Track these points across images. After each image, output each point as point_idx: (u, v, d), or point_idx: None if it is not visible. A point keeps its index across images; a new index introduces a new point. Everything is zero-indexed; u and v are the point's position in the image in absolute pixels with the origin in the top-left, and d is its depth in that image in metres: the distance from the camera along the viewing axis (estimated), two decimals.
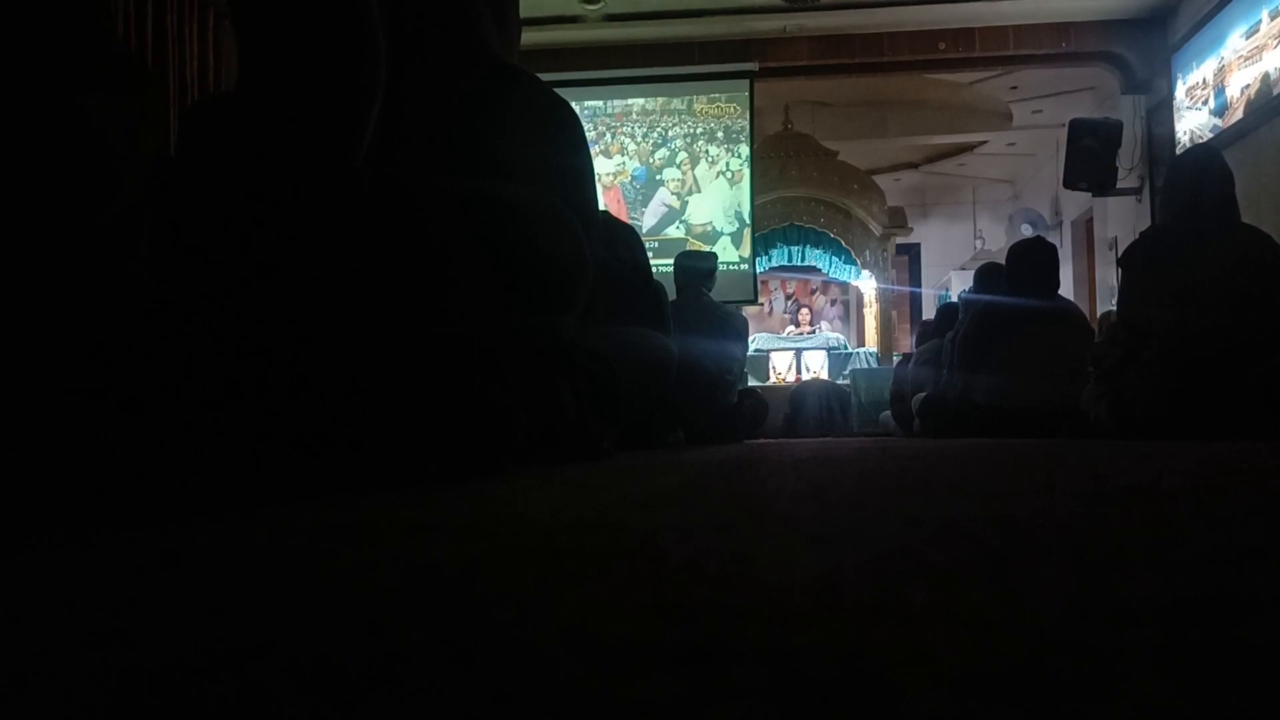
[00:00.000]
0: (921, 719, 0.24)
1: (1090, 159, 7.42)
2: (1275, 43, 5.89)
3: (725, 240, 8.22)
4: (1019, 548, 0.53)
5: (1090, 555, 0.50)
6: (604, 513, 0.78)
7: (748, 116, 8.31)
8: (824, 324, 12.33)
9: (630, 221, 7.52)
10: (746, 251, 8.30)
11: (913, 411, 5.21)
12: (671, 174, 8.42)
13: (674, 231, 8.30)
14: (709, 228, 8.27)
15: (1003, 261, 4.70)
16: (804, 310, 12.29)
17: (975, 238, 12.58)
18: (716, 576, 0.45)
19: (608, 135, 8.39)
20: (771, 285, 12.48)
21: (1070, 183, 7.64)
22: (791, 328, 11.99)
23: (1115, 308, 3.58)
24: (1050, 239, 7.22)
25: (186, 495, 0.98)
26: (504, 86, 1.67)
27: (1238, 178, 3.30)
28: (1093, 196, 8.28)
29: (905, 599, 0.39)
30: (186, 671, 0.30)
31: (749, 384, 6.84)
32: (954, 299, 6.72)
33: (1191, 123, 6.99)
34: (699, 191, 8.40)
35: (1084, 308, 7.76)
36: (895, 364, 7.58)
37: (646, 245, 3.62)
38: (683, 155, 8.44)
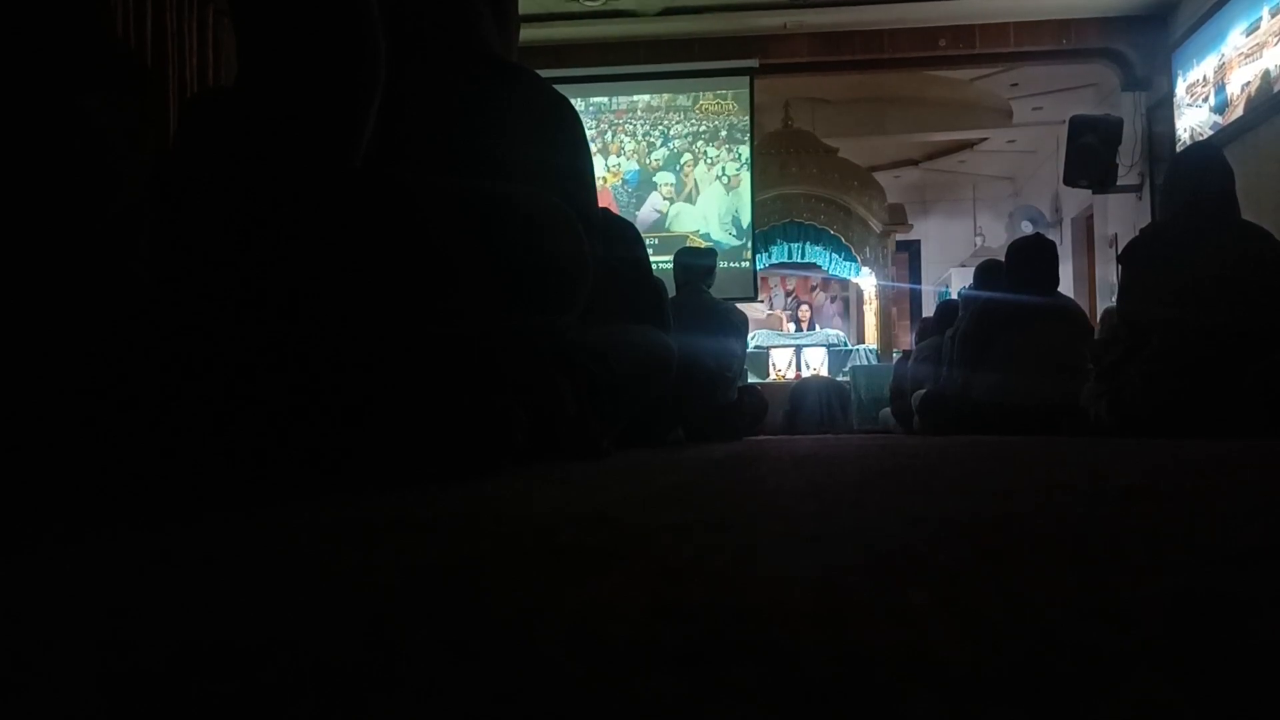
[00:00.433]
0: (921, 716, 0.24)
1: (1090, 156, 7.42)
2: (1276, 40, 5.89)
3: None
4: (1019, 546, 0.53)
5: (1090, 554, 0.50)
6: (604, 511, 0.78)
7: (748, 114, 8.29)
8: (819, 323, 12.33)
9: None
10: (743, 263, 8.27)
11: (913, 409, 5.21)
12: (664, 177, 8.36)
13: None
14: (696, 236, 8.21)
15: (1003, 259, 4.69)
16: (803, 307, 12.28)
17: (975, 235, 12.58)
18: (716, 575, 0.45)
19: (608, 133, 8.36)
20: (771, 282, 12.47)
21: (1070, 180, 7.63)
22: (791, 325, 11.99)
23: (1115, 305, 3.57)
24: (1050, 236, 7.22)
25: (187, 495, 0.98)
26: (504, 85, 1.66)
27: (1238, 175, 3.29)
28: (1093, 193, 8.27)
29: (905, 598, 0.39)
30: (187, 671, 0.30)
31: (749, 381, 6.85)
32: (954, 296, 6.72)
33: (1192, 120, 6.99)
34: (698, 193, 8.37)
35: (1084, 305, 7.75)
36: (895, 361, 7.58)
37: (646, 242, 3.62)
38: (687, 156, 8.41)
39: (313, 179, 1.16)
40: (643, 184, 8.31)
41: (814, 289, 12.86)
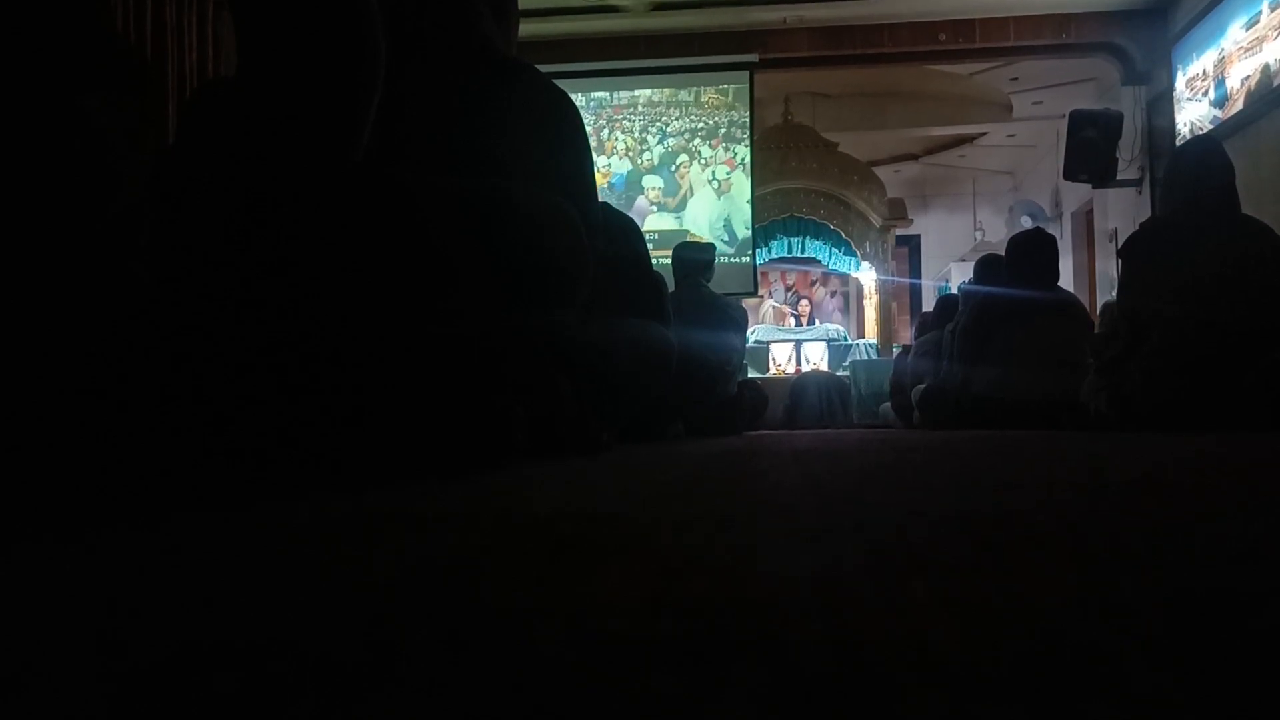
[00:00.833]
0: (921, 715, 0.24)
1: (1091, 150, 7.41)
2: (1275, 34, 5.88)
3: None
4: (1019, 541, 0.53)
5: (1090, 549, 0.50)
6: (604, 507, 0.78)
7: (749, 109, 8.27)
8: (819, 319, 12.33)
9: None
10: (743, 258, 8.21)
11: (912, 403, 5.21)
12: (652, 181, 8.30)
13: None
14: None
15: (1003, 253, 4.69)
16: (803, 302, 12.28)
17: (975, 229, 12.57)
18: (716, 571, 0.45)
19: (605, 130, 8.31)
20: (771, 277, 12.47)
21: (1070, 174, 7.62)
22: (791, 320, 11.99)
23: (1115, 299, 3.57)
24: (1050, 230, 7.21)
25: (187, 493, 0.98)
26: (504, 83, 1.66)
27: (1238, 169, 3.29)
28: (1093, 188, 8.26)
29: (905, 593, 0.39)
30: (187, 670, 0.30)
31: (749, 375, 6.85)
32: (954, 290, 6.72)
33: (1192, 114, 6.98)
34: (692, 194, 8.32)
35: (1084, 299, 7.74)
36: (895, 356, 7.57)
37: (645, 237, 3.62)
38: (683, 157, 8.35)
39: (312, 178, 1.16)
40: (630, 186, 8.25)
41: (814, 284, 12.86)
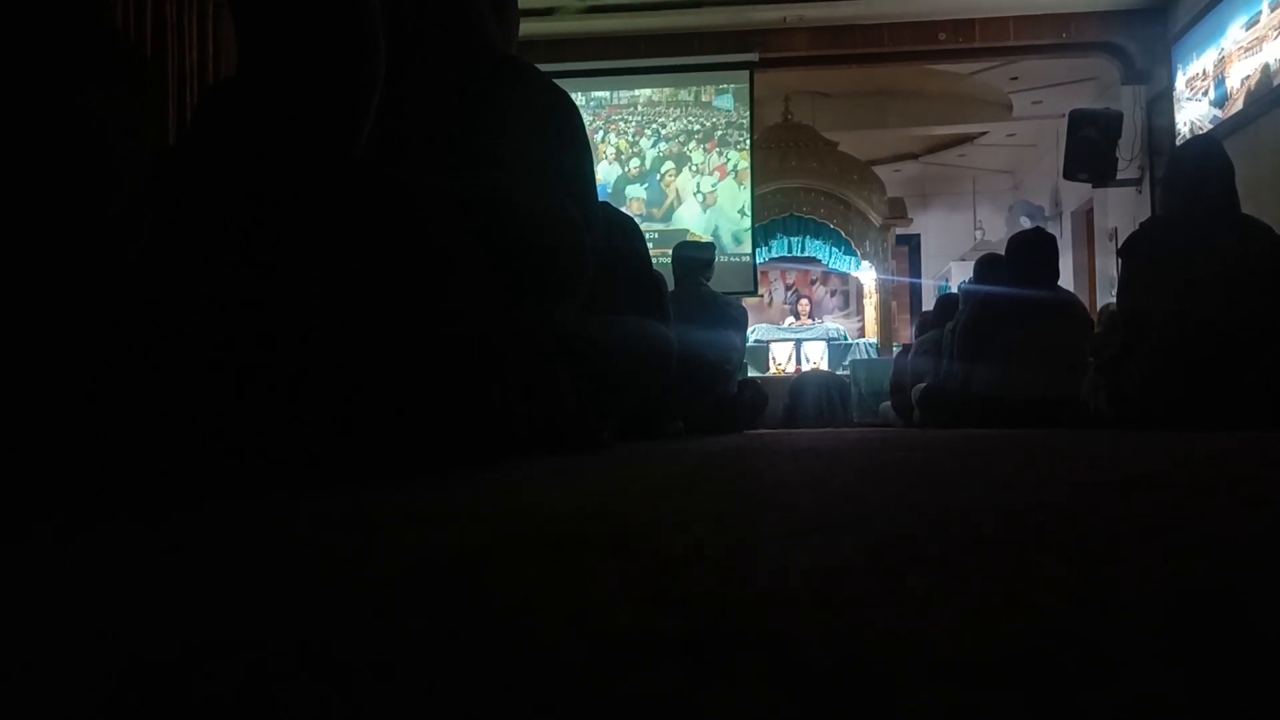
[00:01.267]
0: (920, 708, 0.24)
1: (1090, 149, 7.42)
2: (1275, 34, 5.88)
3: None
4: (1018, 538, 0.53)
5: (1089, 545, 0.50)
6: (604, 503, 0.78)
7: (749, 113, 8.25)
8: (826, 317, 12.33)
9: None
10: (743, 257, 8.18)
11: (913, 402, 5.21)
12: (635, 191, 8.25)
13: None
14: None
15: (1003, 252, 4.69)
16: (804, 301, 12.28)
17: (975, 228, 12.57)
18: (716, 566, 0.45)
19: (599, 133, 8.28)
20: (771, 276, 12.47)
21: (1070, 173, 7.63)
22: (791, 319, 11.99)
23: (1115, 299, 3.57)
24: (1050, 229, 7.21)
25: (187, 492, 0.98)
26: (504, 82, 1.66)
27: (1238, 169, 3.29)
28: (1093, 187, 8.27)
29: (904, 588, 0.39)
30: (186, 666, 0.30)
31: (749, 374, 6.85)
32: (954, 290, 6.72)
33: (1192, 113, 6.98)
34: (679, 203, 8.27)
35: (1084, 299, 7.75)
36: (895, 355, 7.57)
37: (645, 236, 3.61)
38: (668, 165, 8.28)
39: (312, 177, 1.16)
40: (614, 197, 8.19)
41: (814, 283, 12.86)
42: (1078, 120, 7.49)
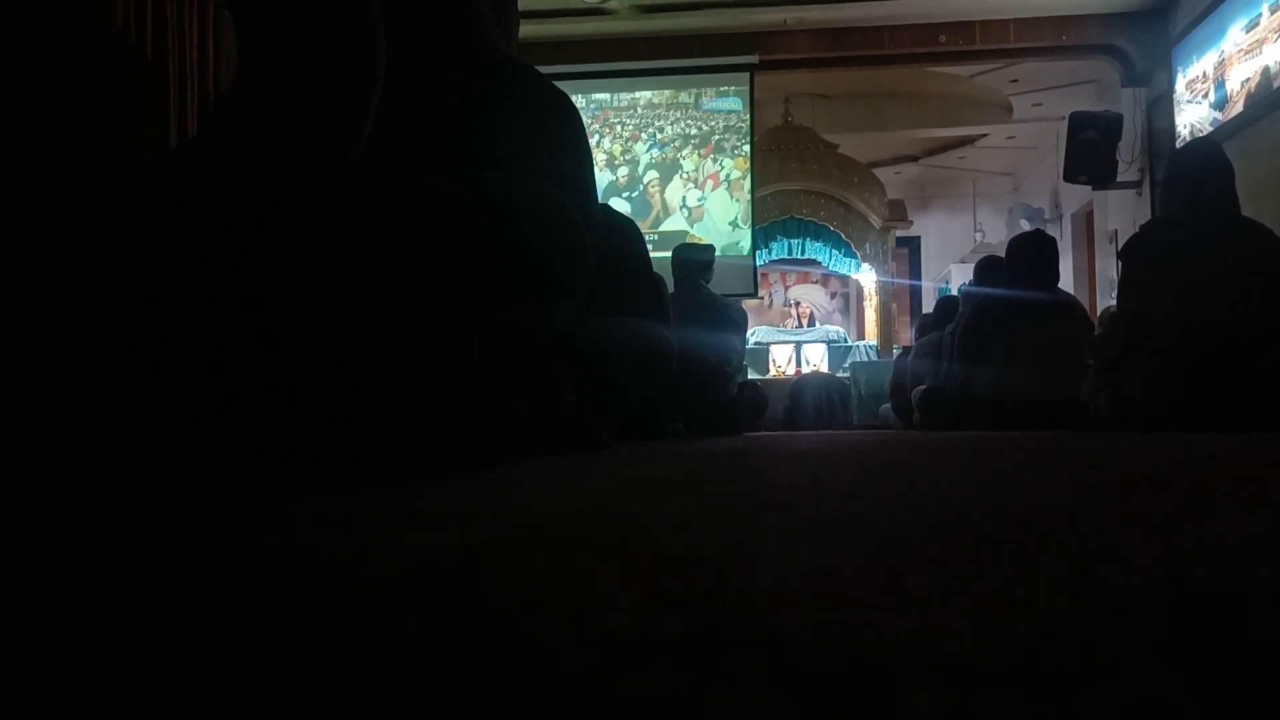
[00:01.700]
0: (921, 708, 0.24)
1: (1091, 152, 7.42)
2: (1275, 36, 5.88)
3: None
4: (1018, 538, 0.53)
5: (1089, 546, 0.50)
6: (604, 503, 0.78)
7: (749, 115, 8.23)
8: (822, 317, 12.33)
9: None
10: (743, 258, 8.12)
11: (913, 404, 5.21)
12: (619, 203, 8.17)
13: None
14: None
15: (1003, 254, 4.69)
16: (803, 304, 12.28)
17: (975, 230, 12.58)
18: (716, 566, 0.45)
19: (594, 137, 8.25)
20: (771, 278, 12.47)
21: (1070, 175, 7.63)
22: (790, 322, 11.99)
23: (1115, 301, 3.57)
24: (1050, 232, 7.22)
25: (187, 492, 0.98)
26: (504, 83, 1.66)
27: (1238, 171, 3.29)
28: (1093, 189, 8.28)
29: (905, 588, 0.39)
30: (186, 666, 0.30)
31: (749, 376, 6.84)
32: (954, 292, 6.72)
33: (1192, 116, 6.98)
34: (665, 215, 8.23)
35: (1084, 301, 7.76)
36: (895, 357, 7.57)
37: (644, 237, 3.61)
38: (651, 175, 8.21)
39: (312, 178, 1.16)
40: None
41: (813, 285, 12.86)
42: (1078, 122, 7.50)
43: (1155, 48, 7.55)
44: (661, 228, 8.18)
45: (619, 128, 8.39)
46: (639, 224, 8.00)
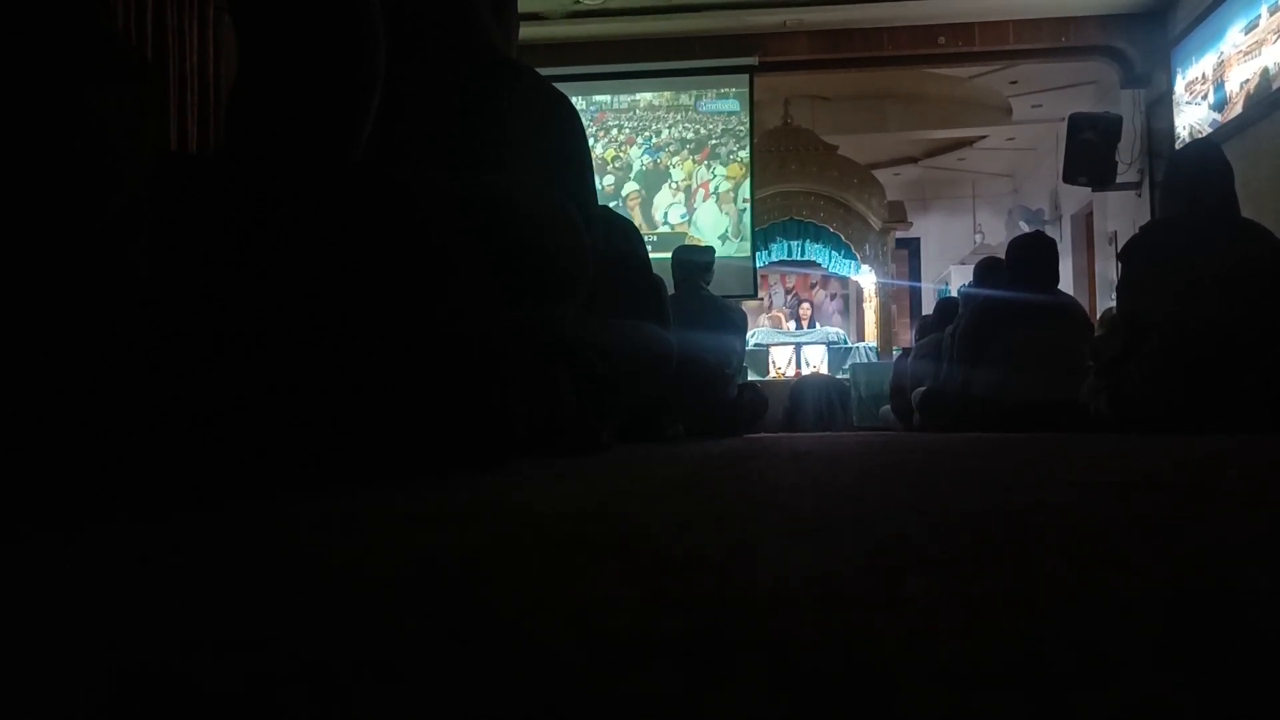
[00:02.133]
0: (921, 709, 0.24)
1: (1090, 153, 7.42)
2: (1275, 37, 5.88)
3: None
4: (1018, 539, 0.53)
5: (1089, 547, 0.50)
6: (604, 504, 0.78)
7: (748, 117, 8.22)
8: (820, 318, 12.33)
9: None
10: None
11: (913, 406, 5.21)
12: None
13: None
14: None
15: (1002, 256, 4.70)
16: (804, 305, 12.28)
17: (975, 232, 12.58)
18: (716, 567, 0.45)
19: (589, 139, 8.18)
20: (771, 280, 12.48)
21: (1070, 177, 7.63)
22: (790, 323, 11.99)
23: (1115, 302, 3.58)
24: (1050, 233, 7.23)
25: (186, 492, 0.98)
26: (504, 84, 1.66)
27: (1237, 172, 3.29)
28: (1092, 191, 8.27)
29: (905, 590, 0.39)
30: (186, 666, 0.30)
31: (749, 378, 6.85)
32: (953, 293, 6.72)
33: (1191, 117, 6.98)
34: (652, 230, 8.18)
35: (1084, 302, 7.76)
36: (895, 358, 7.57)
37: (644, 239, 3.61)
38: (630, 187, 8.10)
39: (312, 178, 1.16)
40: None
41: (814, 286, 12.86)
42: (1077, 124, 7.50)
43: (1154, 49, 7.55)
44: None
45: (615, 130, 8.36)
46: None
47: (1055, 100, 9.48)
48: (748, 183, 8.25)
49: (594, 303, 1.70)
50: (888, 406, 6.46)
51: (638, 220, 7.99)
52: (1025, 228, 9.27)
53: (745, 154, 8.25)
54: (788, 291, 12.87)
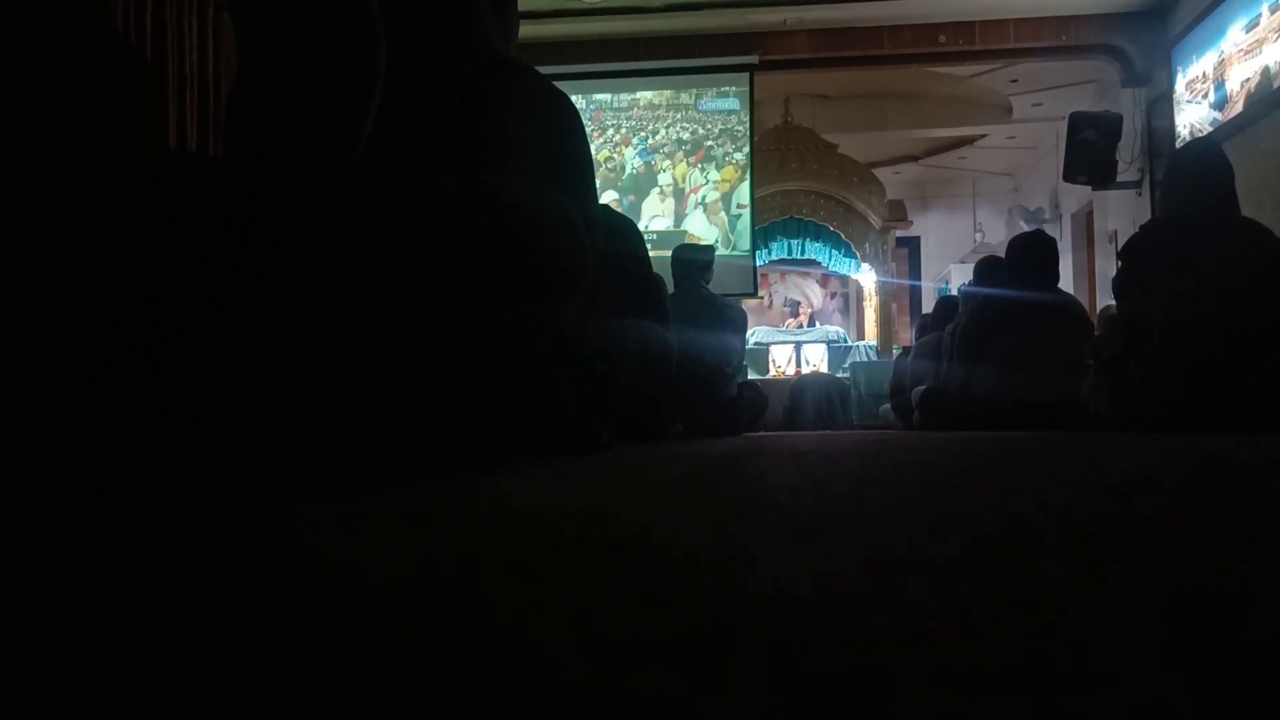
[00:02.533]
0: (921, 709, 0.24)
1: (1090, 152, 7.42)
2: (1275, 36, 5.88)
3: None
4: (1018, 540, 0.53)
5: (1090, 547, 0.50)
6: (603, 505, 0.78)
7: (748, 116, 8.21)
8: (824, 317, 12.34)
9: None
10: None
11: (913, 405, 5.21)
12: None
13: None
14: None
15: (1002, 254, 4.70)
16: (803, 304, 12.29)
17: (975, 231, 12.58)
18: (715, 568, 0.45)
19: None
20: (771, 278, 12.48)
21: (1070, 176, 7.63)
22: (790, 320, 12.00)
23: (1115, 301, 3.58)
24: (1050, 232, 7.22)
25: (186, 492, 0.98)
26: (504, 83, 1.66)
27: (1238, 171, 3.29)
28: (1093, 189, 8.28)
29: (905, 590, 0.39)
30: (186, 669, 0.30)
31: (749, 377, 6.84)
32: (954, 292, 6.72)
33: (1191, 116, 6.98)
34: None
35: (1084, 301, 7.75)
36: (895, 357, 7.58)
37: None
38: (610, 196, 8.01)
39: (312, 178, 1.16)
40: None
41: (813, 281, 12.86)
42: (1078, 123, 7.50)
43: (1155, 48, 7.55)
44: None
45: (610, 131, 8.34)
46: None
47: (1055, 99, 9.48)
48: (745, 185, 8.24)
49: (594, 302, 1.70)
50: (888, 405, 6.46)
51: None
52: (1025, 227, 9.27)
53: (741, 155, 8.24)
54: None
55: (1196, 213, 3.19)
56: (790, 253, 10.60)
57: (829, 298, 12.90)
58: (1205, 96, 6.78)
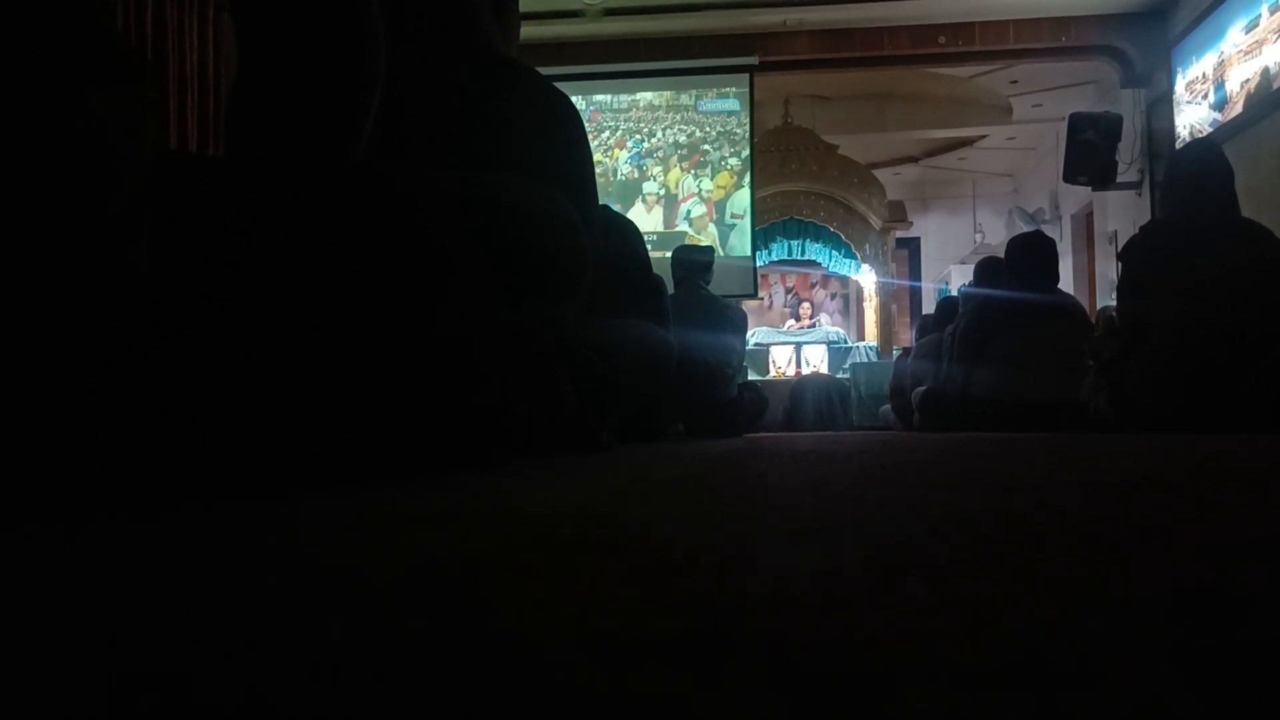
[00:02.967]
0: (921, 709, 0.24)
1: (1090, 153, 7.42)
2: (1275, 37, 5.89)
3: None
4: (1018, 540, 0.53)
5: (1090, 547, 0.50)
6: (604, 505, 0.78)
7: (748, 117, 8.21)
8: (824, 316, 12.35)
9: None
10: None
11: (913, 405, 5.21)
12: None
13: None
14: None
15: (1002, 255, 4.70)
16: (804, 304, 12.29)
17: (975, 231, 12.58)
18: (715, 568, 0.45)
19: None
20: (771, 279, 12.48)
21: (1070, 176, 7.64)
22: (791, 322, 12.00)
23: (1115, 301, 3.58)
24: (1050, 232, 7.23)
25: (186, 492, 0.98)
26: (504, 83, 1.66)
27: (1237, 172, 3.29)
28: (1092, 190, 8.28)
29: (905, 590, 0.39)
30: (185, 667, 0.30)
31: (749, 377, 6.85)
32: (954, 293, 6.73)
33: (1191, 117, 6.99)
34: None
35: (1084, 301, 7.75)
36: (895, 358, 7.58)
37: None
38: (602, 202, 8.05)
39: (312, 177, 1.16)
40: None
41: (814, 286, 12.87)
42: (1077, 123, 7.50)
43: (1155, 48, 7.55)
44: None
45: (605, 133, 8.32)
46: None
47: (1055, 100, 9.48)
48: (742, 192, 8.23)
49: (594, 303, 1.70)
50: (888, 406, 6.46)
51: None
52: (1025, 228, 9.27)
53: (738, 160, 8.23)
54: (788, 291, 12.87)
55: (1196, 213, 3.19)
56: (790, 253, 10.61)
57: (829, 298, 12.91)
58: (1205, 97, 6.78)
